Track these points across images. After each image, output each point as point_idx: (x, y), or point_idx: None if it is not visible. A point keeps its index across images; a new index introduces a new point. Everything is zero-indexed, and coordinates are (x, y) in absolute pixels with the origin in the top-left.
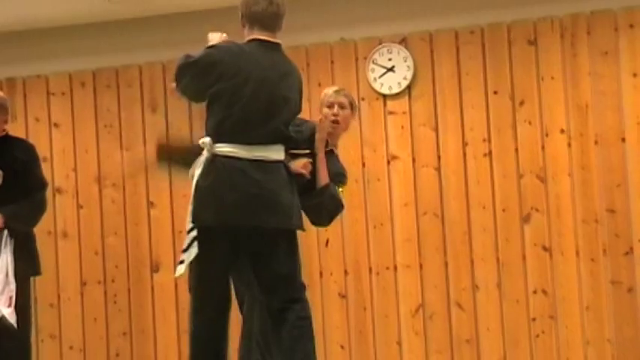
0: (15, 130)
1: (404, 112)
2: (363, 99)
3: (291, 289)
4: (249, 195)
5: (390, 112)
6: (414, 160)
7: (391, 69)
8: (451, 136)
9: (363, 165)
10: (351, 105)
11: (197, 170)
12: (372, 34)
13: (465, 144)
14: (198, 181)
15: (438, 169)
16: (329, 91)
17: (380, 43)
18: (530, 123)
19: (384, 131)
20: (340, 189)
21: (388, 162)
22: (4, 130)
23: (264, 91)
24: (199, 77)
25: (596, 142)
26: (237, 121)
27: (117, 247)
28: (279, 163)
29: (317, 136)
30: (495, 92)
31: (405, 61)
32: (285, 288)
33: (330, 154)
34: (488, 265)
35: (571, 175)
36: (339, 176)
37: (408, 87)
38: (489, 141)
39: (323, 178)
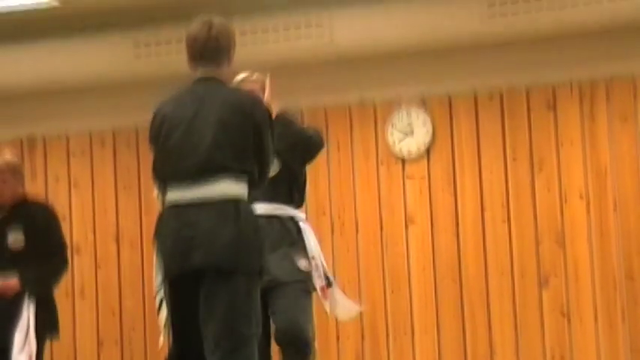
0: (35, 189)
1: (422, 177)
2: (382, 163)
3: (232, 338)
4: (182, 239)
5: (409, 177)
6: (432, 224)
7: (410, 131)
8: (469, 201)
9: (381, 229)
10: (263, 89)
11: None
12: (392, 96)
13: (483, 209)
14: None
15: (457, 234)
16: (237, 78)
17: (399, 106)
18: (548, 189)
19: (403, 195)
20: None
21: (406, 226)
22: (22, 194)
23: (181, 124)
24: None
25: (614, 208)
26: (164, 163)
27: (134, 308)
28: (226, 200)
29: None
30: (514, 157)
31: (424, 125)
32: (223, 337)
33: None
34: (506, 331)
35: (589, 240)
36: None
37: (427, 151)
38: (508, 206)
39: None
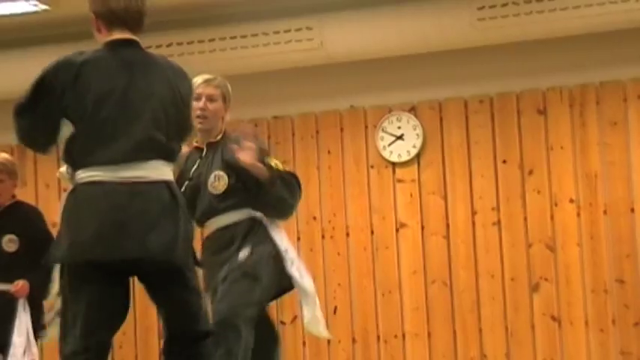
0: (25, 195)
1: (413, 180)
2: (372, 167)
3: (184, 335)
4: (112, 222)
5: (399, 180)
6: (422, 228)
7: (400, 137)
8: (460, 205)
9: (372, 232)
10: (224, 97)
11: (62, 204)
12: (382, 102)
13: (473, 213)
14: (61, 215)
15: (447, 238)
16: (198, 79)
17: (389, 112)
18: (539, 192)
19: (393, 199)
20: (274, 163)
21: (397, 230)
22: (13, 196)
23: (113, 94)
24: (39, 111)
25: (605, 212)
26: (90, 137)
27: None
28: (161, 183)
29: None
30: (504, 161)
31: (415, 129)
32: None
33: (221, 145)
34: (497, 335)
35: (580, 244)
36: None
37: (417, 155)
38: (498, 210)
39: (260, 173)
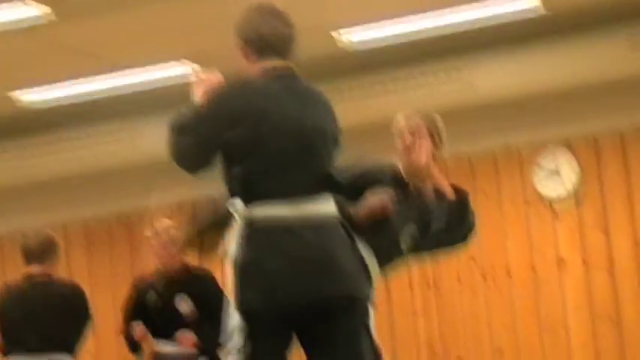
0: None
1: (572, 216)
2: (529, 203)
3: None
4: (306, 261)
5: (558, 216)
6: (585, 263)
7: (556, 172)
8: (623, 238)
9: (533, 269)
10: (436, 135)
11: (232, 244)
12: (536, 138)
13: (638, 245)
14: (235, 257)
15: (611, 272)
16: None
17: (544, 147)
18: None
19: (553, 235)
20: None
21: (559, 267)
22: (181, 260)
23: (291, 128)
24: (205, 132)
25: None
26: (268, 171)
27: None
28: (333, 218)
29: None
30: None
31: (570, 163)
32: None
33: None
34: None
35: None
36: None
37: (575, 189)
38: None
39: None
